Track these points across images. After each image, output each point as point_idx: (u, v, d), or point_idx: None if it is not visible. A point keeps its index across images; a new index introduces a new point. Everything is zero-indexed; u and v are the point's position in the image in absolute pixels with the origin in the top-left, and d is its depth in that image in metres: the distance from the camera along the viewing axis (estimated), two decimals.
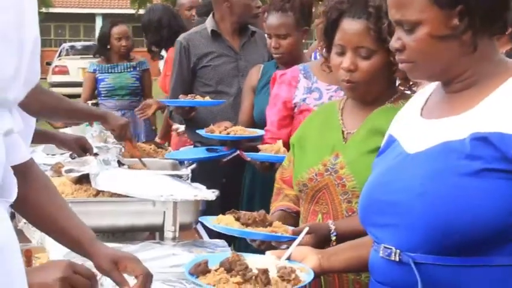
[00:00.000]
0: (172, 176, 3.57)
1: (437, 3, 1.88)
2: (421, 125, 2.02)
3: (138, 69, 7.34)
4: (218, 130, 4.02)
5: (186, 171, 3.95)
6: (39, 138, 3.97)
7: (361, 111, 2.76)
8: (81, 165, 3.49)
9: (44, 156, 4.43)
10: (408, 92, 2.79)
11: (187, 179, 3.80)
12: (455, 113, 1.92)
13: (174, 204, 3.12)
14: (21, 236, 2.87)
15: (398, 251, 1.93)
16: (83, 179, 3.34)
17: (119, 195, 3.16)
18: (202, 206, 3.27)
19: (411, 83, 2.75)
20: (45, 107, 3.47)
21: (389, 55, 2.56)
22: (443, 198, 1.82)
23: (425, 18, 1.90)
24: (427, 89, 2.13)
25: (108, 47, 7.22)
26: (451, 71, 1.95)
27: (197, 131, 4.21)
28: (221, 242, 3.15)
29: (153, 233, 3.36)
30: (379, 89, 2.72)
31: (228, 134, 3.98)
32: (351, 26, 2.65)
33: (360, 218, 2.11)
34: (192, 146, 5.03)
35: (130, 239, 3.15)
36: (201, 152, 4.39)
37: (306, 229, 2.49)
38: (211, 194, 3.19)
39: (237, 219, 2.55)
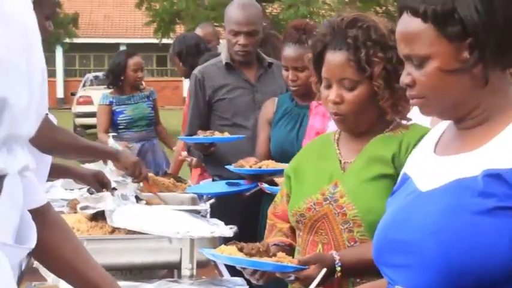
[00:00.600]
0: (190, 211, 3.53)
1: (446, 37, 1.84)
2: (434, 162, 1.98)
3: (150, 98, 7.34)
4: (248, 164, 3.99)
5: (205, 206, 3.91)
6: (57, 172, 3.96)
7: (357, 141, 2.74)
8: (96, 201, 3.47)
9: (62, 191, 4.41)
10: (405, 122, 2.76)
11: (206, 214, 3.76)
12: (467, 150, 1.88)
13: (191, 241, 3.08)
14: (37, 274, 2.84)
15: None
16: (99, 216, 3.31)
17: (135, 232, 3.13)
18: (219, 242, 3.23)
19: (400, 111, 2.70)
20: (58, 145, 3.46)
21: (373, 85, 2.58)
22: (457, 237, 1.77)
23: (435, 52, 1.86)
24: (441, 126, 2.09)
25: (122, 78, 7.20)
26: (463, 106, 1.90)
27: (226, 167, 4.18)
28: (240, 281, 3.09)
29: (172, 270, 3.31)
30: (369, 119, 2.70)
31: (260, 167, 3.95)
32: (333, 58, 2.64)
33: (374, 258, 2.06)
34: (210, 179, 4.99)
35: (148, 277, 3.11)
36: (222, 186, 4.35)
37: (324, 270, 2.44)
38: (228, 231, 3.15)
39: (240, 249, 2.51)
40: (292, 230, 2.85)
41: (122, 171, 4.14)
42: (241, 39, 4.64)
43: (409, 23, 1.90)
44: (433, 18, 1.85)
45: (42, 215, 2.04)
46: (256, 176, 4.04)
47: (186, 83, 6.91)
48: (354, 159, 2.71)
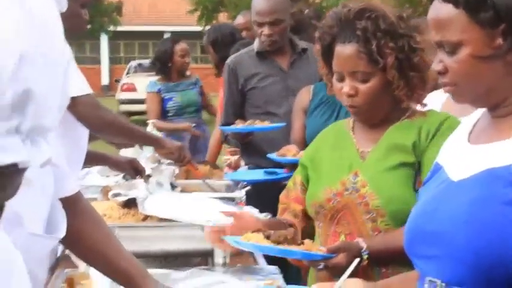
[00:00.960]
0: (223, 199, 3.51)
1: (478, 23, 1.78)
2: (467, 151, 1.92)
3: (197, 85, 7.33)
4: (290, 153, 3.96)
5: (240, 193, 3.88)
6: (92, 159, 3.97)
7: (372, 131, 2.70)
8: (128, 188, 3.46)
9: (98, 177, 4.42)
10: (421, 108, 2.71)
11: (241, 201, 3.74)
12: (501, 138, 1.82)
13: None
14: (69, 261, 2.85)
15: (443, 284, 1.83)
16: (131, 203, 3.30)
17: (167, 220, 3.11)
18: None
19: (416, 98, 2.66)
20: (106, 125, 3.48)
21: (386, 75, 2.53)
22: (488, 227, 1.72)
23: (467, 38, 1.80)
24: (475, 114, 2.03)
25: (169, 64, 7.19)
26: (496, 93, 1.84)
27: (268, 156, 4.15)
28: (274, 269, 3.05)
29: (206, 258, 3.29)
30: (385, 109, 2.66)
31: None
32: (343, 51, 2.59)
33: (405, 249, 2.02)
34: (246, 168, 4.96)
35: (181, 265, 3.10)
36: (259, 174, 4.33)
37: (357, 260, 2.39)
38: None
39: (267, 237, 2.47)
40: (304, 213, 2.81)
41: (165, 157, 4.14)
42: (265, 30, 4.62)
43: (440, 9, 1.85)
44: (465, 3, 1.80)
45: (73, 204, 2.04)
46: (296, 165, 4.01)
47: None
48: (373, 148, 2.67)
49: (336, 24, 2.61)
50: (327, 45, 2.65)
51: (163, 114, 7.13)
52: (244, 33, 6.98)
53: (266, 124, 4.43)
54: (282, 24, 4.68)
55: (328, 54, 2.66)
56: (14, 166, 0.85)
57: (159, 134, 5.35)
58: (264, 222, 2.74)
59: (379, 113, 2.66)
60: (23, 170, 0.87)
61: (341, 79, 2.62)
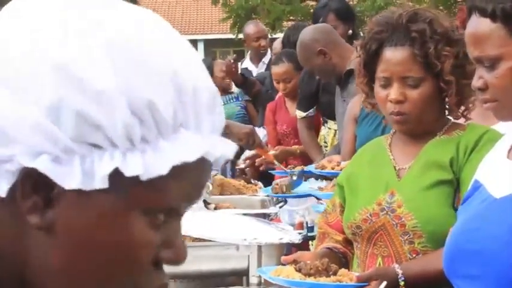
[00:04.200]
0: (258, 216, 3.47)
1: None
2: (507, 167, 1.86)
3: (240, 99, 7.25)
4: (330, 166, 3.90)
5: (275, 209, 3.84)
6: None
7: (412, 145, 2.62)
8: None
9: None
10: (460, 121, 2.64)
11: (276, 217, 3.70)
12: None
13: (259, 248, 3.02)
14: None
15: None
16: None
17: (202, 240, 3.08)
18: (287, 248, 3.17)
19: (462, 109, 2.59)
20: None
21: (439, 81, 2.46)
22: None
23: (506, 52, 1.76)
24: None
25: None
26: None
27: (306, 168, 4.11)
28: None
29: (241, 277, 3.25)
30: (431, 119, 2.59)
31: (342, 169, 3.87)
32: (394, 55, 2.52)
33: (444, 269, 1.96)
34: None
35: (216, 284, 3.06)
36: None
37: (385, 283, 2.34)
38: (297, 236, 3.08)
39: (298, 270, 2.41)
40: (347, 241, 2.74)
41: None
42: None
43: (478, 24, 1.81)
44: (502, 17, 1.76)
45: None
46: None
47: None
48: (410, 165, 2.59)
49: (386, 28, 2.55)
50: (373, 50, 2.58)
51: None
52: (254, 43, 6.94)
53: None
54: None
55: (371, 61, 2.60)
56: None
57: None
58: (320, 254, 2.66)
59: (423, 124, 2.58)
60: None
61: (387, 85, 2.55)
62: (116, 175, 0.80)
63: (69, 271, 0.83)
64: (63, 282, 0.84)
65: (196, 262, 3.05)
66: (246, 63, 7.42)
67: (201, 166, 0.85)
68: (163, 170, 0.81)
